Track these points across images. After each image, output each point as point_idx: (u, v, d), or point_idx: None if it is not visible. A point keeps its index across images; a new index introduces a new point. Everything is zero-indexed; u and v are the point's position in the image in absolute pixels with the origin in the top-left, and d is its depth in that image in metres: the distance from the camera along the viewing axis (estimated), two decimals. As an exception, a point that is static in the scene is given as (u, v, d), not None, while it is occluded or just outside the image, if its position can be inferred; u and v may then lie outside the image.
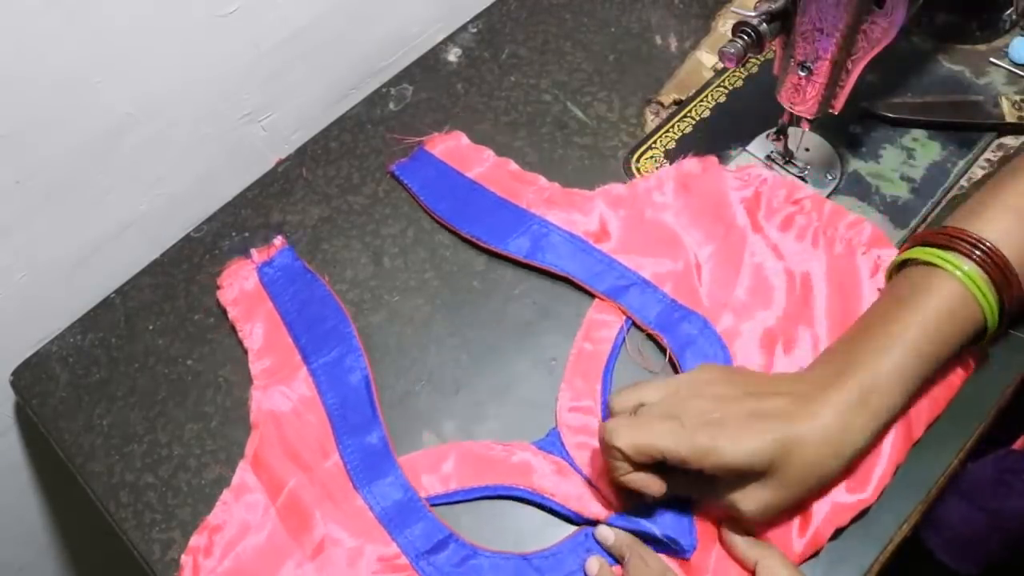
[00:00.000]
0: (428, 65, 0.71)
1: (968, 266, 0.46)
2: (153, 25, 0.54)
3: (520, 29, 0.72)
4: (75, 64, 0.52)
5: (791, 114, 0.56)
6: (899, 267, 0.51)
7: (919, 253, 0.48)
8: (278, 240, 0.62)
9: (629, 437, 0.44)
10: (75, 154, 0.56)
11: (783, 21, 0.51)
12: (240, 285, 0.60)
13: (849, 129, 0.63)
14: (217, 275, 0.61)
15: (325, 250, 0.63)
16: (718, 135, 0.64)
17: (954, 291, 0.46)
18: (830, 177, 0.61)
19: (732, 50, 0.51)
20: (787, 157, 0.62)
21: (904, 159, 0.62)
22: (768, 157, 0.63)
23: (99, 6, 0.51)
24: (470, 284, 0.60)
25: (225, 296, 0.60)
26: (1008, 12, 0.66)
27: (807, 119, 0.56)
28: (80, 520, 0.77)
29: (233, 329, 0.59)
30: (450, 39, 0.73)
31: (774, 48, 0.53)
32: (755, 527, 0.47)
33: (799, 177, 0.62)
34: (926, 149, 0.62)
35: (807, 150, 0.62)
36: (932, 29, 0.67)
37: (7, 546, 0.73)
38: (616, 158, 0.64)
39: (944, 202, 0.60)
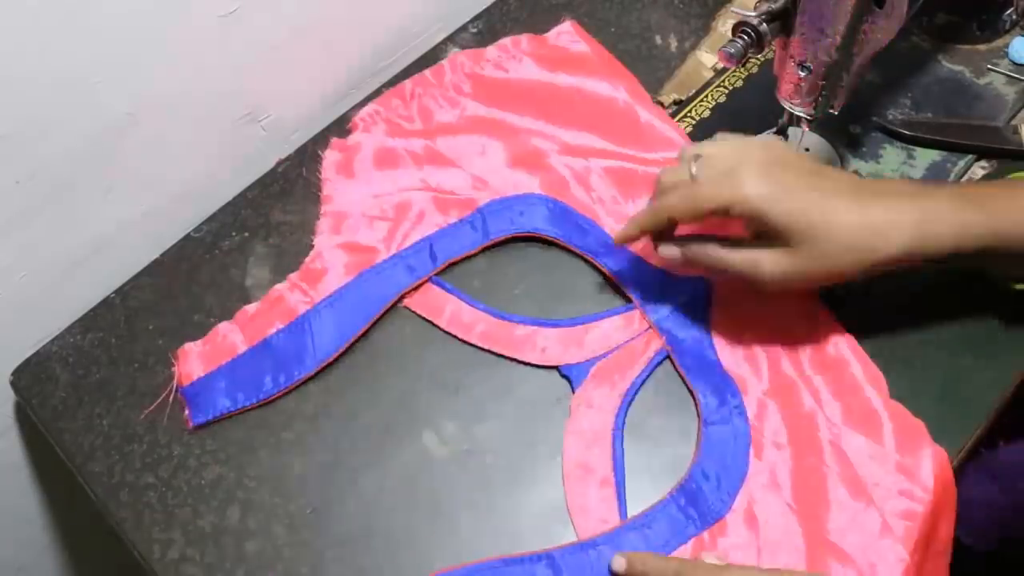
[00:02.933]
0: (428, 65, 0.71)
1: None
2: (153, 25, 0.54)
3: (520, 29, 0.72)
4: (75, 64, 0.52)
5: (791, 114, 0.56)
6: None
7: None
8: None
9: (679, 196, 0.49)
10: (75, 154, 0.56)
11: (783, 21, 0.51)
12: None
13: (849, 129, 0.63)
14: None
15: (325, 250, 0.63)
16: (718, 135, 0.64)
17: None
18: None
19: (732, 50, 0.51)
20: (787, 157, 0.62)
21: (904, 159, 0.62)
22: (768, 157, 0.63)
23: (99, 6, 0.51)
24: (471, 284, 0.60)
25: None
26: (1008, 12, 0.66)
27: (807, 119, 0.56)
28: (80, 520, 0.77)
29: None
30: (450, 39, 0.73)
31: (774, 48, 0.53)
32: None
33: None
34: (926, 149, 0.62)
35: (807, 150, 0.62)
36: (932, 29, 0.67)
37: (7, 546, 0.73)
38: (616, 158, 0.64)
39: (944, 202, 0.60)
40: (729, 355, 0.54)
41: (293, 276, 0.59)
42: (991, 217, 0.46)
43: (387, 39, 0.72)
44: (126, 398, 0.58)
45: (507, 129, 0.65)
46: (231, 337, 0.57)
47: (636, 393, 0.54)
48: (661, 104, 0.67)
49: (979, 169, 0.62)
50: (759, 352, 0.54)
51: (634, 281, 0.57)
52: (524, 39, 0.70)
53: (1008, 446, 0.70)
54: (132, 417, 0.57)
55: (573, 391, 0.54)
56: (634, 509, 0.50)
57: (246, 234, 0.64)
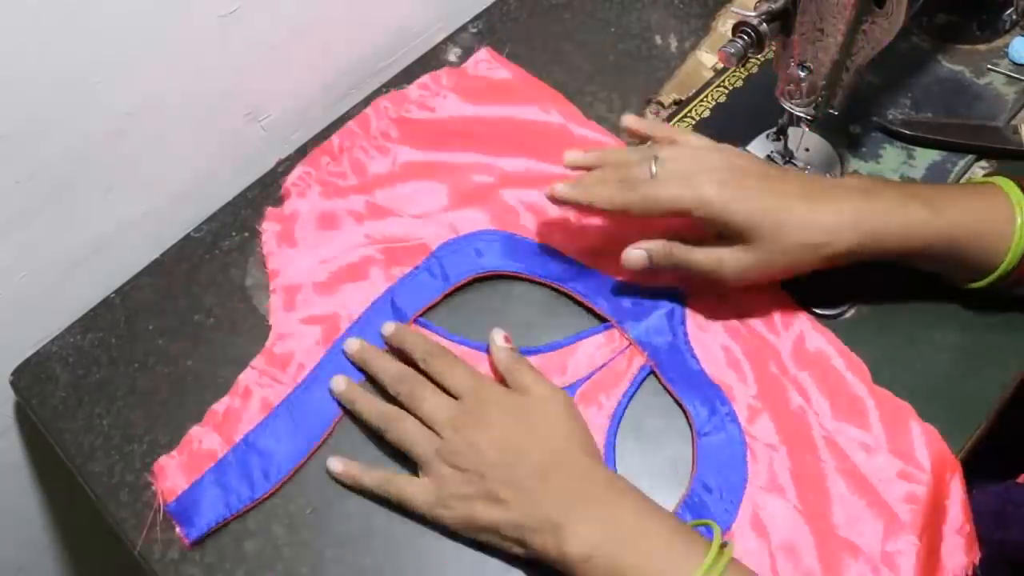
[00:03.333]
0: (428, 65, 0.71)
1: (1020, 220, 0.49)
2: (153, 25, 0.54)
3: (520, 29, 0.72)
4: (75, 64, 0.52)
5: (791, 114, 0.56)
6: None
7: (996, 179, 0.51)
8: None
9: (642, 194, 0.51)
10: (75, 154, 0.56)
11: (783, 21, 0.51)
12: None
13: (849, 129, 0.63)
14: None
15: (325, 250, 0.62)
16: (718, 135, 0.64)
17: (1000, 209, 0.49)
18: (830, 177, 0.61)
19: (732, 50, 0.51)
20: (787, 157, 0.62)
21: (904, 159, 0.62)
22: (768, 157, 0.63)
23: (99, 6, 0.51)
24: (470, 283, 0.60)
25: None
26: (1008, 12, 0.66)
27: (807, 119, 0.56)
28: (80, 520, 0.77)
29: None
30: (450, 39, 0.73)
31: (774, 48, 0.53)
32: None
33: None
34: (926, 149, 0.62)
35: (807, 150, 0.62)
36: (932, 29, 0.67)
37: (7, 546, 0.73)
38: (616, 158, 0.64)
39: (944, 202, 0.60)
40: (712, 363, 0.54)
41: (257, 363, 0.57)
42: (938, 216, 0.49)
43: (387, 39, 0.71)
44: (126, 398, 0.58)
45: (445, 169, 0.64)
46: (207, 441, 0.54)
47: (624, 411, 0.54)
48: (661, 104, 0.67)
49: (979, 169, 0.62)
50: (741, 356, 0.54)
51: (606, 300, 0.57)
52: (443, 74, 0.69)
53: (978, 493, 0.67)
54: (132, 417, 0.57)
55: None
56: None
57: (246, 234, 0.64)
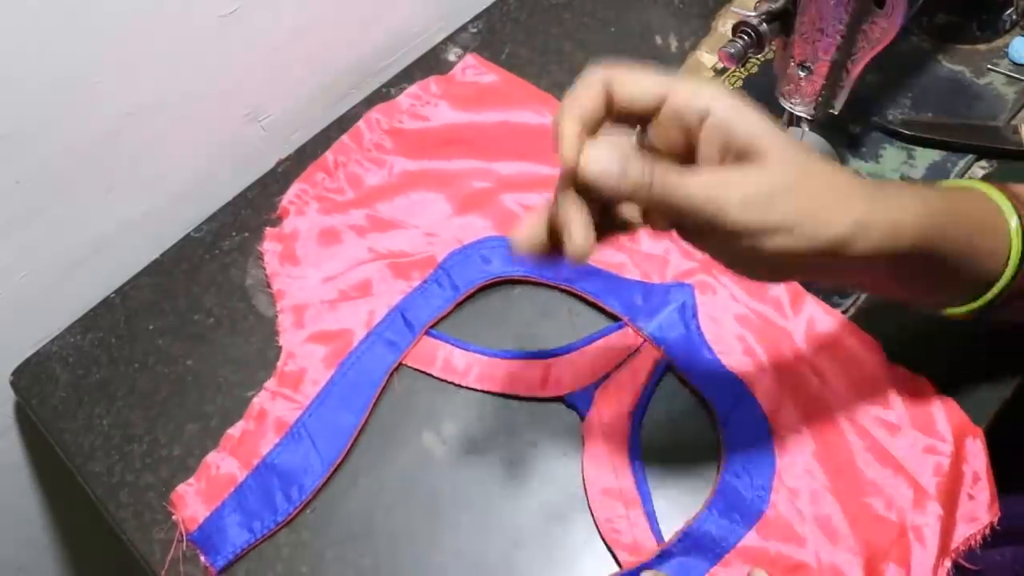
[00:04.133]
0: (428, 65, 0.71)
1: (1015, 223, 0.42)
2: (153, 25, 0.54)
3: (520, 29, 0.72)
4: (75, 64, 0.52)
5: (791, 114, 0.56)
6: None
7: (978, 184, 0.44)
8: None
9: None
10: (75, 154, 0.56)
11: (783, 21, 0.51)
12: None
13: (849, 129, 0.63)
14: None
15: (325, 250, 0.62)
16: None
17: (994, 222, 0.43)
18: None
19: (732, 50, 0.51)
20: (787, 157, 0.62)
21: (904, 159, 0.62)
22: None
23: (99, 6, 0.51)
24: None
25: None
26: (1008, 12, 0.66)
27: (807, 119, 0.56)
28: (80, 520, 0.77)
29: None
30: (450, 39, 0.73)
31: (774, 48, 0.53)
32: None
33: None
34: (926, 149, 0.62)
35: (807, 150, 0.62)
36: (932, 29, 0.67)
37: (7, 546, 0.73)
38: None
39: (944, 202, 0.60)
40: (727, 353, 0.54)
41: (271, 384, 0.56)
42: (928, 207, 0.40)
43: (387, 39, 0.72)
44: (126, 398, 0.58)
45: (444, 177, 0.63)
46: (225, 466, 0.53)
47: (646, 408, 0.54)
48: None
49: (979, 169, 0.62)
50: (755, 344, 0.55)
51: (617, 299, 0.57)
52: (432, 82, 0.68)
53: (991, 551, 0.63)
54: (132, 417, 0.57)
55: (582, 419, 0.54)
56: (666, 525, 0.50)
57: (246, 234, 0.64)
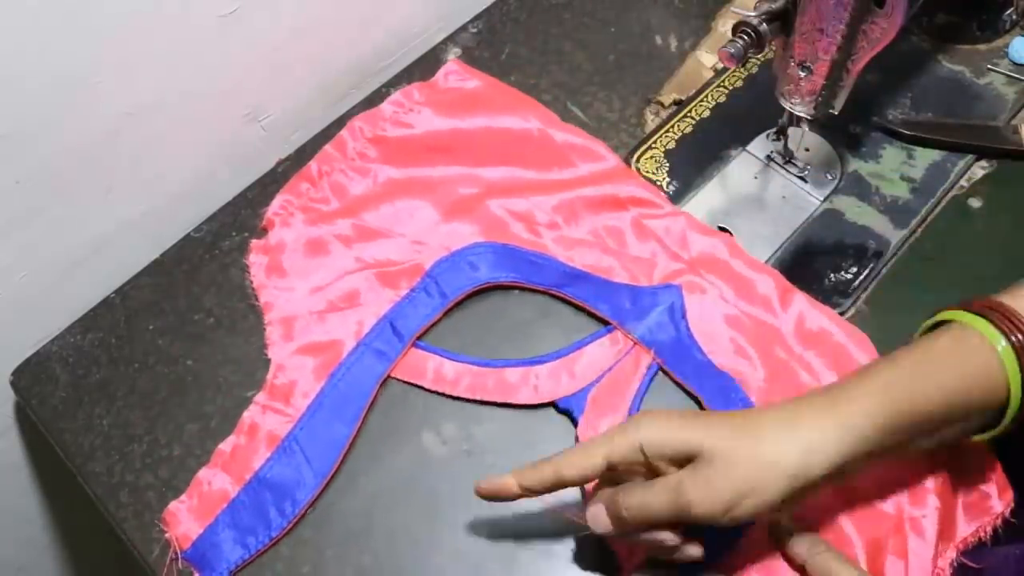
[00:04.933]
0: (428, 65, 0.71)
1: (1004, 344, 0.42)
2: (153, 25, 0.54)
3: (520, 29, 0.72)
4: (75, 64, 0.52)
5: (791, 114, 0.56)
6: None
7: (958, 316, 0.44)
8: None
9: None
10: (75, 154, 0.56)
11: (783, 21, 0.51)
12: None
13: (849, 129, 0.63)
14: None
15: (325, 250, 0.62)
16: (718, 135, 0.64)
17: (979, 353, 0.42)
18: (830, 177, 0.61)
19: (732, 50, 0.51)
20: (787, 157, 0.62)
21: (904, 159, 0.62)
22: (768, 157, 0.63)
23: (99, 6, 0.51)
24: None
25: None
26: (1008, 12, 0.66)
27: (807, 119, 0.56)
28: (80, 520, 0.77)
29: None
30: (450, 39, 0.73)
31: (774, 48, 0.53)
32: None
33: (799, 177, 0.62)
34: (926, 149, 0.62)
35: (807, 150, 0.62)
36: (932, 29, 0.67)
37: (7, 546, 0.73)
38: (616, 158, 0.64)
39: (944, 202, 0.60)
40: (718, 353, 0.54)
41: (260, 398, 0.55)
42: (926, 382, 0.42)
43: (387, 39, 0.72)
44: (126, 398, 0.58)
45: (429, 185, 0.63)
46: (217, 482, 0.53)
47: (638, 411, 0.53)
48: (661, 104, 0.67)
49: (979, 169, 0.62)
50: (745, 343, 0.55)
51: (605, 303, 0.57)
52: (415, 89, 0.67)
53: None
54: (132, 417, 0.57)
55: (575, 424, 0.53)
56: None
57: (246, 234, 0.64)
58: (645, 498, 0.42)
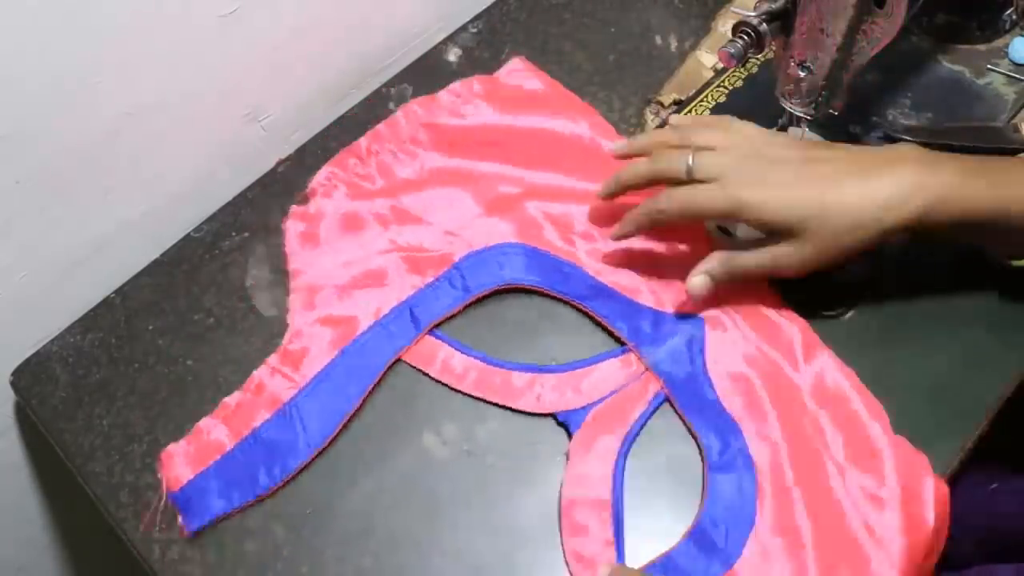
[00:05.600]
0: (428, 65, 0.71)
1: None
2: (153, 25, 0.54)
3: (520, 29, 0.72)
4: (75, 64, 0.52)
5: (791, 114, 0.56)
6: None
7: None
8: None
9: (677, 203, 0.52)
10: (75, 154, 0.56)
11: (783, 21, 0.51)
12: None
13: (849, 129, 0.63)
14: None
15: (325, 250, 0.62)
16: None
17: None
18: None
19: (732, 50, 0.51)
20: (787, 157, 0.62)
21: (904, 159, 0.62)
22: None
23: (99, 6, 0.51)
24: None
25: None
26: (1008, 12, 0.66)
27: (807, 119, 0.56)
28: (80, 520, 0.77)
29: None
30: (450, 39, 0.73)
31: (774, 48, 0.53)
32: None
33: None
34: (926, 149, 0.62)
35: (807, 150, 0.62)
36: (932, 29, 0.67)
37: (7, 546, 0.73)
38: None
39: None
40: (730, 395, 0.53)
41: (272, 360, 0.56)
42: (996, 189, 0.47)
43: (387, 39, 0.72)
44: (126, 398, 0.58)
45: (473, 178, 0.63)
46: (216, 433, 0.54)
47: (636, 436, 0.53)
48: (661, 104, 0.67)
49: (979, 169, 0.62)
50: (760, 391, 0.53)
51: (625, 323, 0.56)
52: (475, 81, 0.68)
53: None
54: (132, 417, 0.57)
55: (570, 438, 0.53)
56: (634, 558, 0.49)
57: (246, 234, 0.64)
58: (747, 262, 0.52)
